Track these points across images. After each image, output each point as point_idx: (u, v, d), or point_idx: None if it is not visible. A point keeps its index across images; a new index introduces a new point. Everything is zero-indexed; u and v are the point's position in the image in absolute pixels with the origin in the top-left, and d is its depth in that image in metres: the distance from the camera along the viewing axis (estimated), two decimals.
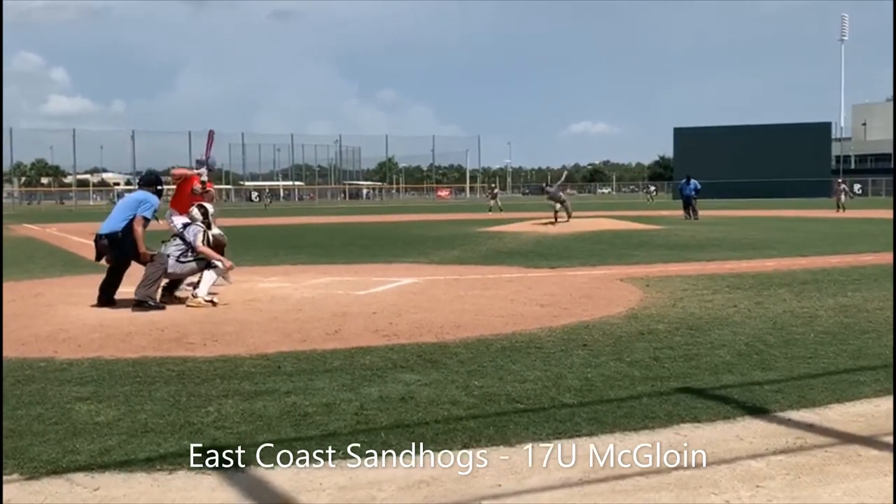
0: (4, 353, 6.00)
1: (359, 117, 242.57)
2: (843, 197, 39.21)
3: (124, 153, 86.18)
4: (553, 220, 23.96)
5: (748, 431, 4.14)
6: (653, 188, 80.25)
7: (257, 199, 78.89)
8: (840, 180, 43.53)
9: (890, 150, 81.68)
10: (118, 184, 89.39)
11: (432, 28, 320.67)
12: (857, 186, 69.18)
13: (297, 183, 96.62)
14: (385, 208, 59.65)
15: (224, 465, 3.64)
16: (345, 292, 9.44)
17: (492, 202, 44.13)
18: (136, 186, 9.65)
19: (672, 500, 3.28)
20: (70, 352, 6.19)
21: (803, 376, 5.26)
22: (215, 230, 8.98)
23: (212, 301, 8.40)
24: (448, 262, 13.75)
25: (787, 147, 71.14)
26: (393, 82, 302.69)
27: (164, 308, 8.21)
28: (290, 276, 11.29)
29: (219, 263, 8.58)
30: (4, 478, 3.52)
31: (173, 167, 10.79)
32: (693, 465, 3.64)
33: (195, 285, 8.63)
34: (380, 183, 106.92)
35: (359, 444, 3.90)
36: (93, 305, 8.39)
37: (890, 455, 3.75)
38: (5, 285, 9.56)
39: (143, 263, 8.42)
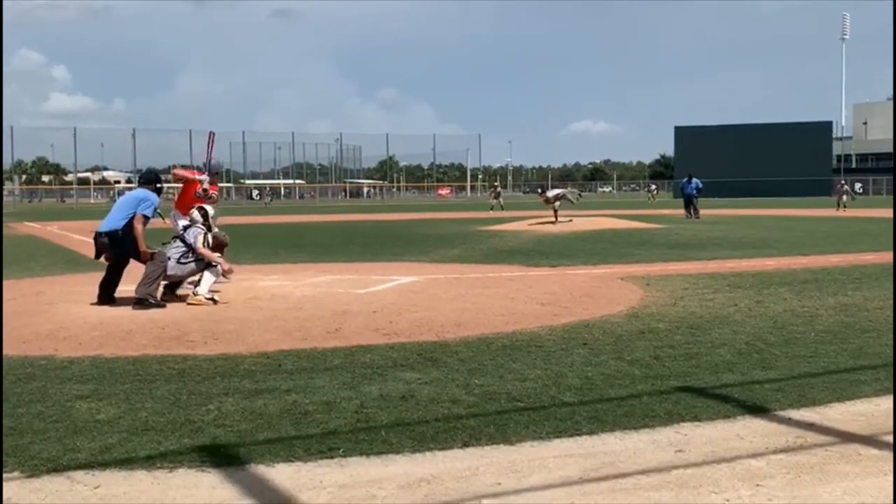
0: (5, 351, 6.00)
1: (360, 116, 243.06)
2: (844, 197, 39.20)
3: (125, 151, 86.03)
4: (553, 219, 23.98)
5: (748, 430, 4.13)
6: (654, 187, 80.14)
7: (258, 197, 78.93)
8: (842, 181, 43.49)
9: (891, 149, 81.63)
10: (119, 182, 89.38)
11: (433, 27, 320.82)
12: (857, 186, 69.18)
13: (297, 181, 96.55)
14: (386, 207, 59.64)
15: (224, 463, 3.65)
16: (345, 291, 9.44)
17: (493, 201, 44.32)
18: (136, 184, 9.65)
19: (672, 498, 3.28)
20: (71, 350, 6.19)
21: (804, 375, 5.26)
22: (215, 230, 9.04)
23: (212, 299, 8.41)
24: (449, 261, 13.76)
25: (788, 146, 71.06)
26: (394, 81, 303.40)
27: (164, 306, 8.22)
28: (290, 275, 11.29)
29: (218, 265, 8.60)
30: (5, 476, 3.53)
31: (173, 166, 10.85)
32: (693, 463, 3.64)
33: (196, 283, 8.65)
34: (380, 181, 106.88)
35: (359, 443, 3.91)
36: (93, 303, 8.39)
37: (890, 454, 3.75)
38: (6, 283, 9.57)
39: (143, 262, 8.43)
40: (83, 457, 3.75)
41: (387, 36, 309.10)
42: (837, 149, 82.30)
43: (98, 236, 8.63)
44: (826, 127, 77.78)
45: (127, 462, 3.69)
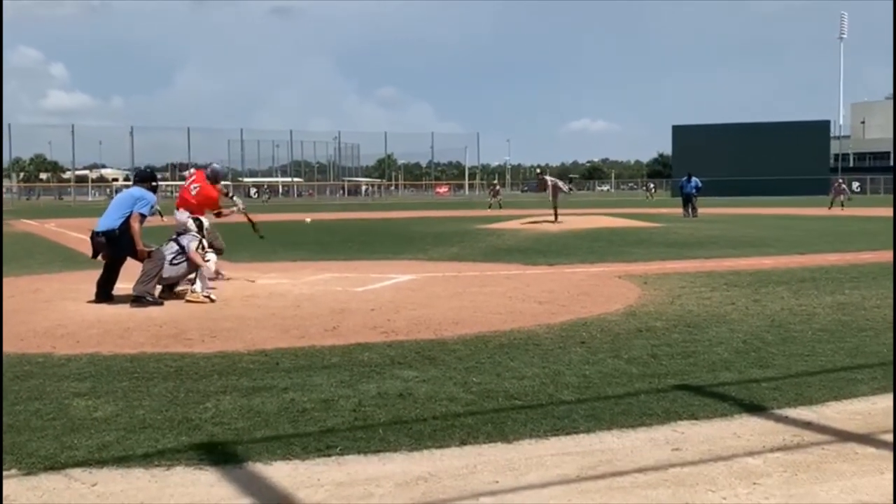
0: (3, 349, 5.99)
1: (358, 114, 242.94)
2: (842, 196, 39.15)
3: (123, 149, 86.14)
4: (553, 218, 23.98)
5: (745, 429, 4.14)
6: (652, 186, 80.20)
7: (256, 195, 78.85)
8: (839, 179, 43.47)
9: (889, 148, 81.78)
10: (117, 179, 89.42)
11: (432, 25, 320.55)
12: (855, 185, 69.17)
13: (296, 179, 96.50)
14: (384, 205, 59.59)
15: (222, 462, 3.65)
16: (343, 289, 9.44)
17: (492, 199, 44.46)
18: (132, 183, 9.65)
19: (669, 497, 3.28)
20: (68, 347, 6.19)
21: (801, 374, 5.26)
22: (213, 236, 9.35)
23: (209, 297, 8.42)
24: (446, 259, 13.76)
25: (786, 145, 71.06)
26: (392, 79, 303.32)
27: (162, 304, 8.22)
28: (288, 273, 11.29)
29: (204, 268, 8.74)
30: (3, 473, 3.52)
31: (195, 166, 11.26)
32: (690, 461, 3.64)
33: (193, 280, 8.68)
34: (379, 180, 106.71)
35: (357, 441, 3.91)
36: (91, 301, 8.39)
37: (887, 453, 3.75)
38: (4, 281, 9.55)
39: (141, 260, 8.43)
40: (80, 454, 3.75)
41: (386, 34, 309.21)
42: (835, 148, 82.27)
43: (95, 235, 8.63)
44: (824, 126, 77.80)
45: (124, 460, 3.68)
